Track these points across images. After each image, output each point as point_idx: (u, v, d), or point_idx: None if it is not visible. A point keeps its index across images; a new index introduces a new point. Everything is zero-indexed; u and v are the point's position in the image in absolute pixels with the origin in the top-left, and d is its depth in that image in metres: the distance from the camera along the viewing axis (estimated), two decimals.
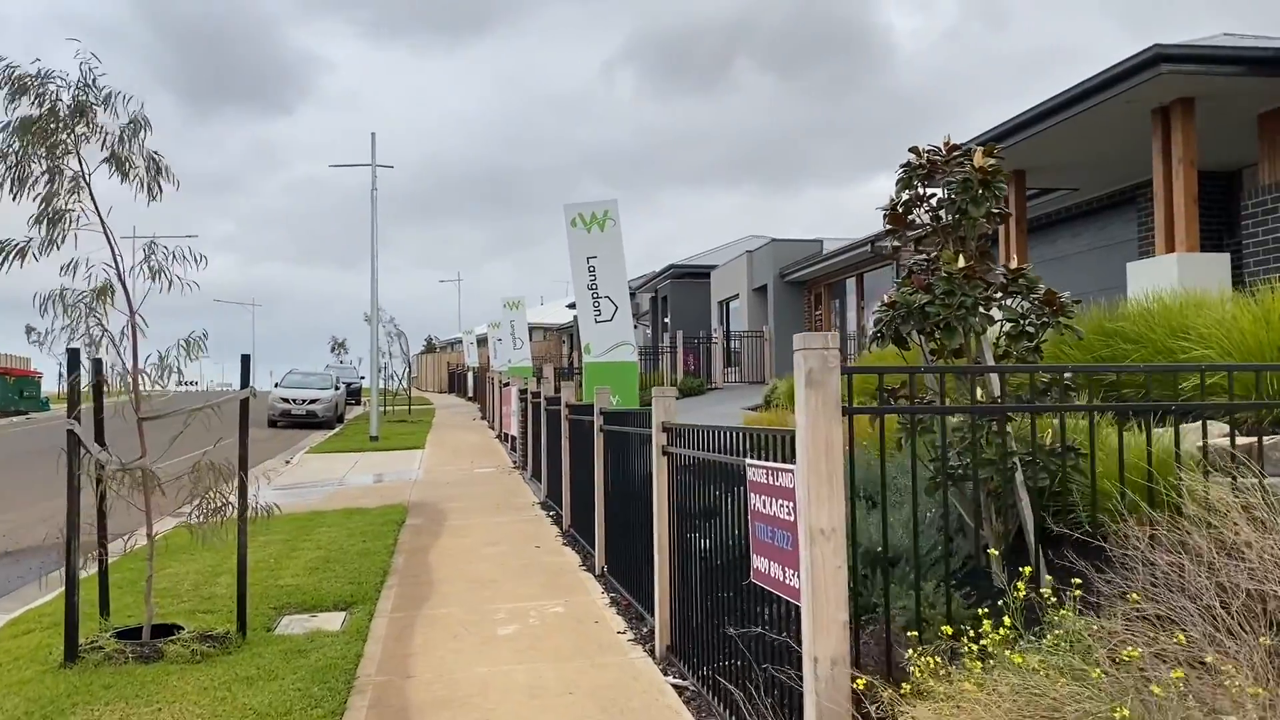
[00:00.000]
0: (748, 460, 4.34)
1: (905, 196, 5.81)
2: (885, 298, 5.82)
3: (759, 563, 4.17)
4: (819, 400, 3.50)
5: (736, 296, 30.00)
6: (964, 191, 5.54)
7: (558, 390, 12.22)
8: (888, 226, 6.00)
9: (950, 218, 5.72)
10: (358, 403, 42.79)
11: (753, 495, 4.23)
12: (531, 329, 50.97)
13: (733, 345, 28.85)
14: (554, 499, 12.01)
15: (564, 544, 10.01)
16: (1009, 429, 5.37)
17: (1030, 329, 5.60)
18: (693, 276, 34.13)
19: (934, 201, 5.77)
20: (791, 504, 3.72)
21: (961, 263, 5.50)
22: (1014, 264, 5.71)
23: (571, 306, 49.40)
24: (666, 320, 34.71)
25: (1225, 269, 10.03)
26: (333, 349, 56.87)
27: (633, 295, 38.08)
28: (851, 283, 24.47)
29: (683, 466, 5.76)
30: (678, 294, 34.52)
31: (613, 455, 8.11)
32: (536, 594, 7.84)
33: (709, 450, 5.13)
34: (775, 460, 4.00)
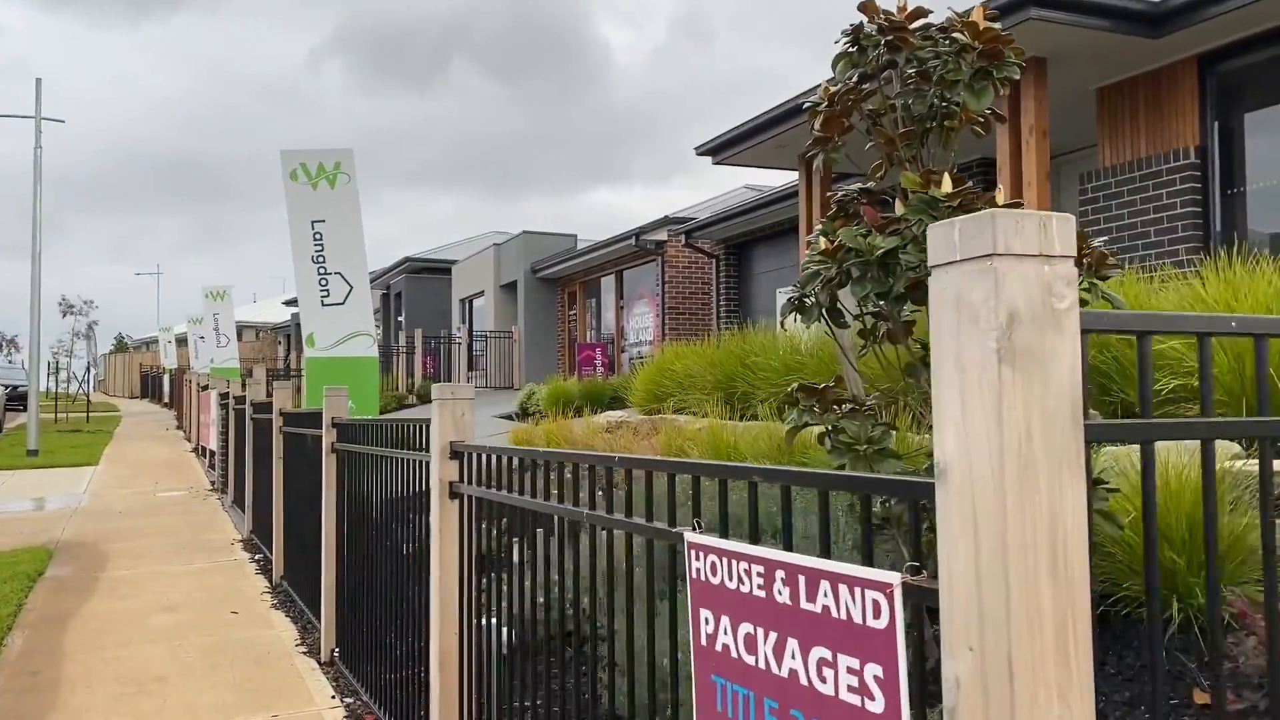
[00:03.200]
0: (688, 534, 1.98)
1: (851, 80, 3.65)
2: (820, 242, 3.63)
3: None
4: (1026, 396, 1.19)
5: (482, 294, 27.34)
6: (955, 70, 3.45)
7: (270, 394, 9.29)
8: (817, 134, 3.81)
9: (917, 116, 3.62)
10: (26, 409, 36.35)
11: (705, 612, 1.88)
12: (242, 327, 45.61)
13: (476, 347, 26.15)
14: (262, 536, 9.05)
15: (274, 605, 7.18)
16: None
17: None
18: (431, 271, 31.01)
19: (888, 93, 3.65)
20: (882, 673, 1.40)
21: (948, 185, 3.42)
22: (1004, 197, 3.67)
23: (291, 303, 44.29)
24: (401, 319, 31.41)
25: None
26: (1, 348, 49.35)
27: None
28: (610, 280, 22.54)
29: (493, 518, 3.33)
30: (413, 290, 31.32)
31: (353, 486, 5.47)
32: (227, 703, 5.07)
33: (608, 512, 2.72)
34: (821, 555, 1.67)
